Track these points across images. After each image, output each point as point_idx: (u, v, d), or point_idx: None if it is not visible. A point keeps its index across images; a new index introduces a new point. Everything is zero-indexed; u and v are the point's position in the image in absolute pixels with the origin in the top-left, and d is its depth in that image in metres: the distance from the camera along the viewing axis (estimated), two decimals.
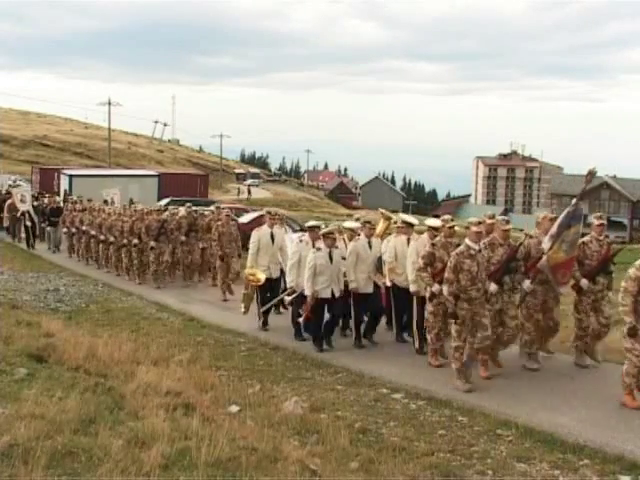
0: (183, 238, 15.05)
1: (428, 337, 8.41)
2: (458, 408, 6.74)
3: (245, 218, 21.34)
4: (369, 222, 9.83)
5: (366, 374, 7.98)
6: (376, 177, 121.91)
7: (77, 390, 5.50)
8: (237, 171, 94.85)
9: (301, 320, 9.24)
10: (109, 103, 60.57)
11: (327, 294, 9.01)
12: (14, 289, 13.28)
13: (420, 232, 9.44)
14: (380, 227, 10.53)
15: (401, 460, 5.19)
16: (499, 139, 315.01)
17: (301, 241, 9.83)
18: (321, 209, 61.39)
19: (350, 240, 9.80)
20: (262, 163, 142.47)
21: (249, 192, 65.33)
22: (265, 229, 10.96)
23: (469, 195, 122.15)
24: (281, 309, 11.37)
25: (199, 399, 6.03)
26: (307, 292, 9.05)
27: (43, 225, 21.96)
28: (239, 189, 68.78)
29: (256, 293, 10.78)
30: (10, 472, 3.72)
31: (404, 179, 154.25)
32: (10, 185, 28.52)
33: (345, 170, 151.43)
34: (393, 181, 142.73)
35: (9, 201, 22.77)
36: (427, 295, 8.29)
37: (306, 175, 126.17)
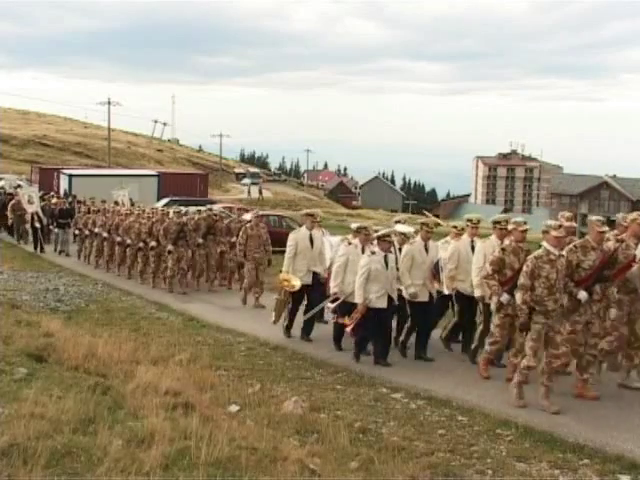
0: (200, 240, 14.17)
1: (488, 347, 7.76)
2: (458, 408, 6.74)
3: (245, 217, 21.31)
4: (427, 224, 8.87)
5: (366, 374, 7.97)
6: (376, 177, 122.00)
7: (77, 390, 5.50)
8: (237, 171, 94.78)
9: (348, 330, 8.47)
10: (109, 103, 60.64)
11: (382, 303, 8.22)
12: (14, 289, 13.26)
13: (472, 233, 8.84)
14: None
15: (401, 460, 5.19)
16: (499, 139, 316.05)
17: (350, 244, 9.12)
18: (321, 209, 61.32)
19: (400, 245, 9.05)
20: (262, 163, 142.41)
21: (260, 192, 64.95)
22: (303, 231, 10.18)
23: (469, 195, 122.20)
24: (326, 317, 10.34)
25: (199, 399, 6.02)
26: (358, 300, 8.26)
27: (51, 227, 21.18)
28: (249, 189, 68.35)
29: (288, 300, 9.93)
30: (9, 472, 3.72)
31: (404, 179, 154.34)
32: (16, 186, 28.42)
33: (345, 170, 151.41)
34: (393, 181, 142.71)
35: (12, 201, 22.28)
36: (493, 306, 7.58)
37: (306, 175, 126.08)
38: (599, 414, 6.51)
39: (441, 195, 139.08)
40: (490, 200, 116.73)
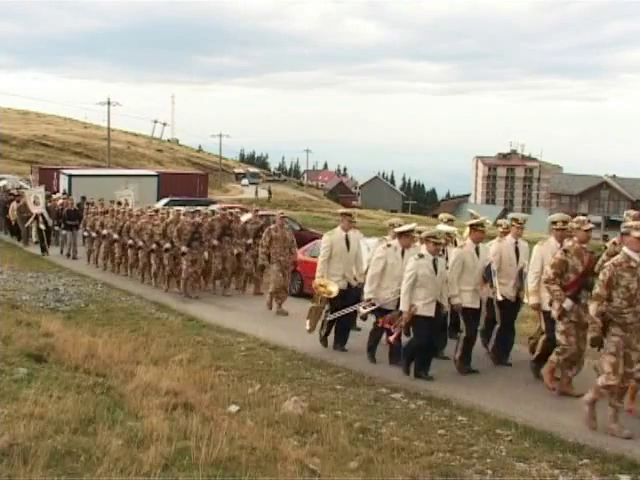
0: (215, 242, 13.59)
1: (554, 356, 7.09)
2: (457, 408, 6.74)
3: (244, 217, 21.30)
4: (480, 225, 8.17)
5: (365, 374, 7.97)
6: (375, 177, 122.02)
7: (76, 390, 5.50)
8: (236, 171, 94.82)
9: (392, 339, 7.95)
10: (108, 103, 60.61)
11: (430, 311, 7.65)
12: (13, 289, 13.25)
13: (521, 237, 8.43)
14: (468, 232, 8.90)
15: (400, 460, 5.19)
16: (499, 139, 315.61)
17: (388, 246, 8.45)
18: (321, 209, 61.30)
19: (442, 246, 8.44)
20: (261, 163, 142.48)
21: (270, 193, 64.83)
22: (339, 233, 9.35)
23: (469, 195, 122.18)
24: (357, 323, 9.74)
25: (199, 399, 6.02)
26: (403, 307, 7.73)
27: (57, 228, 20.58)
28: (257, 189, 68.18)
29: (325, 307, 9.25)
30: (9, 472, 3.72)
31: (403, 178, 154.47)
32: (18, 187, 28.29)
33: (345, 170, 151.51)
34: (392, 181, 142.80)
35: (15, 203, 21.98)
36: (555, 313, 6.97)
37: (305, 175, 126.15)
38: (599, 414, 6.50)
39: (441, 195, 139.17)
40: (490, 200, 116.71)
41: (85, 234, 18.62)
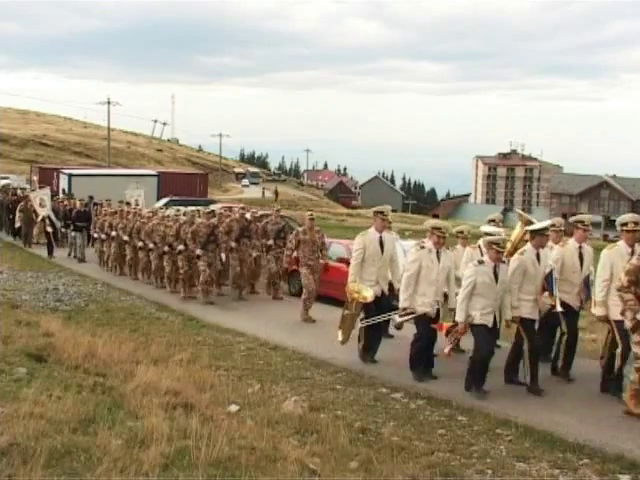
0: (233, 244, 12.95)
1: (634, 375, 6.43)
2: (457, 407, 6.74)
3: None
4: (545, 229, 7.49)
5: (365, 374, 7.97)
6: (375, 176, 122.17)
7: (76, 390, 5.51)
8: (236, 170, 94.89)
9: (446, 351, 7.41)
10: (108, 103, 60.67)
11: (488, 321, 7.11)
12: (13, 289, 13.26)
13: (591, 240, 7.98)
14: (516, 234, 8.30)
15: (400, 459, 5.18)
16: (499, 138, 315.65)
17: (422, 247, 7.80)
18: (320, 208, 61.38)
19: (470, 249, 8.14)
20: (261, 162, 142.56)
21: (276, 193, 64.87)
22: (373, 233, 8.60)
23: (469, 194, 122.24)
24: (390, 331, 9.25)
25: (198, 399, 6.02)
26: (459, 317, 7.22)
27: (65, 230, 20.07)
28: (263, 190, 68.13)
29: (360, 315, 8.55)
30: (9, 471, 3.72)
31: (403, 178, 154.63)
32: (24, 188, 28.05)
33: (344, 169, 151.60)
34: (392, 180, 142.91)
35: (22, 204, 21.46)
36: (628, 323, 6.42)
37: (305, 174, 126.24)
38: (599, 414, 6.51)
39: (441, 195, 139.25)
40: (490, 200, 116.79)
41: (95, 236, 17.89)
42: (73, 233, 19.22)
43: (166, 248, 13.57)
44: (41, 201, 20.31)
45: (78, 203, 20.43)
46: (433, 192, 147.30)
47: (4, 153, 61.90)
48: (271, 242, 13.20)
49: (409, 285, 7.70)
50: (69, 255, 19.54)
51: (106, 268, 17.08)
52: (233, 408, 6.24)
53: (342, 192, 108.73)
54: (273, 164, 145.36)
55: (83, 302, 12.61)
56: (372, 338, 8.50)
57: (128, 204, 19.35)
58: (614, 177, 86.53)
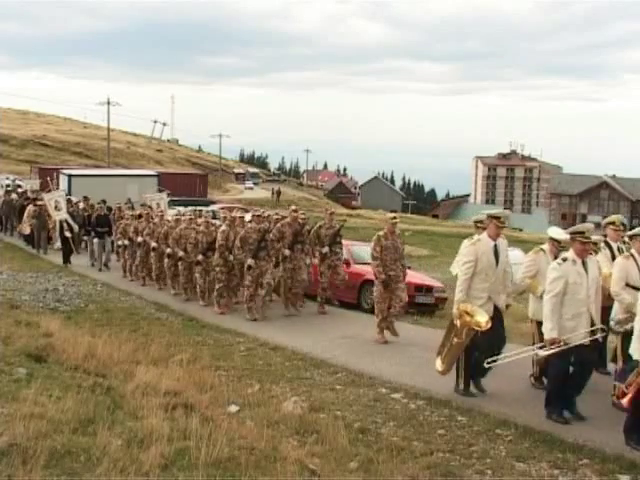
0: (287, 252, 11.48)
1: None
2: (457, 408, 6.73)
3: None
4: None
5: (365, 374, 7.97)
6: (375, 177, 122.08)
7: (76, 390, 5.50)
8: (236, 171, 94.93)
9: (625, 402, 5.67)
10: (108, 103, 60.78)
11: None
12: (13, 289, 13.27)
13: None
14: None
15: (400, 460, 5.18)
16: (499, 139, 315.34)
17: (564, 260, 6.36)
18: (320, 208, 61.36)
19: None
20: (261, 163, 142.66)
21: (279, 193, 64.82)
22: (486, 241, 7.08)
23: (468, 195, 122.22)
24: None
25: (198, 399, 6.03)
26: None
27: (85, 237, 18.52)
28: (273, 190, 67.95)
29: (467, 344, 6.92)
30: (9, 472, 3.72)
31: (403, 179, 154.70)
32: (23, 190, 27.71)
33: (344, 170, 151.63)
34: (392, 181, 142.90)
35: (31, 207, 20.29)
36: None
37: (305, 175, 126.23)
38: (599, 414, 6.51)
39: (440, 195, 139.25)
40: (490, 200, 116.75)
41: (119, 243, 16.26)
42: (95, 240, 17.36)
43: (200, 257, 12.29)
44: (56, 204, 18.85)
45: (97, 206, 18.53)
46: (433, 192, 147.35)
47: (4, 153, 61.94)
48: (326, 250, 11.74)
49: (555, 310, 6.25)
50: (92, 265, 17.65)
51: (131, 278, 15.65)
52: (233, 408, 6.25)
53: (342, 192, 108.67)
54: (273, 164, 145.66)
55: (83, 302, 12.62)
56: (480, 364, 6.90)
57: (150, 208, 18.16)
58: (614, 177, 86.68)
